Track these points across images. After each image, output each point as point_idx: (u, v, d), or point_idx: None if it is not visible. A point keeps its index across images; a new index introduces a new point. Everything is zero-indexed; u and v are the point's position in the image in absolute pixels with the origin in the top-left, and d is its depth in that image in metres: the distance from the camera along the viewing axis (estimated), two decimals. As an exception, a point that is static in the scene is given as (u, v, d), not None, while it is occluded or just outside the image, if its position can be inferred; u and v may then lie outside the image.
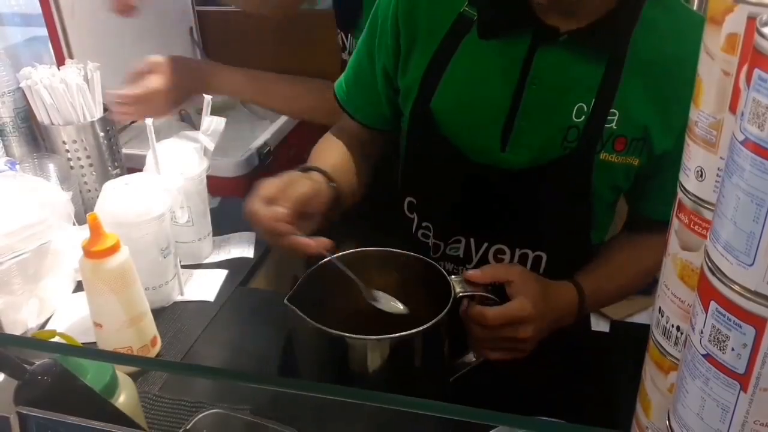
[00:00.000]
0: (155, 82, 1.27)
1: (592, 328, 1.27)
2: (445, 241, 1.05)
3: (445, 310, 0.77)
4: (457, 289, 0.82)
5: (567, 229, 1.01)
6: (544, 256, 1.01)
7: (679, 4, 0.93)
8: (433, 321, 0.74)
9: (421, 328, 0.73)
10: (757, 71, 0.32)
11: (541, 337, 0.88)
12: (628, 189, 0.99)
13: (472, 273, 0.85)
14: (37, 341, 0.72)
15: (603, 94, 0.89)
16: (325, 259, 0.83)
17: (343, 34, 1.57)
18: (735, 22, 0.38)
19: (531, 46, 0.91)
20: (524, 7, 0.90)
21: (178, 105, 1.35)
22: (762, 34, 0.32)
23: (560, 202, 0.97)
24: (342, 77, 1.13)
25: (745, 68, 0.37)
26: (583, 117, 0.90)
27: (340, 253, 0.85)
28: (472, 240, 1.02)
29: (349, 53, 1.55)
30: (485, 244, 1.02)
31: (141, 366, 0.71)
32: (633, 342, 0.93)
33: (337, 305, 0.85)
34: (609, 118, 0.90)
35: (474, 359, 0.88)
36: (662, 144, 0.90)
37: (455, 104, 0.97)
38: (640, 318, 2.10)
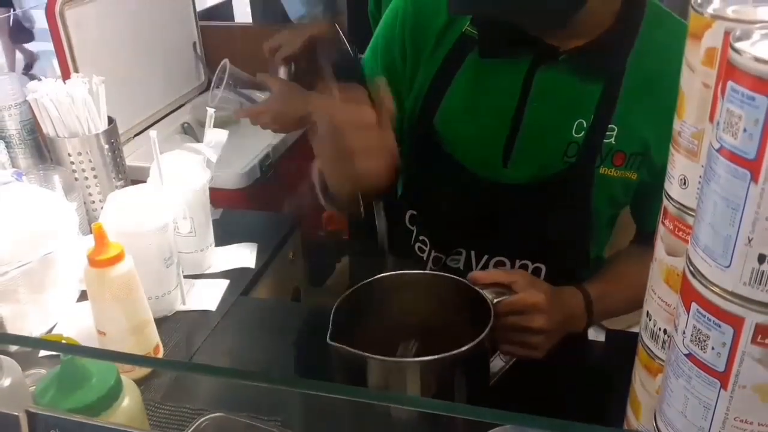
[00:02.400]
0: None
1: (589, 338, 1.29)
2: (446, 253, 1.07)
3: (490, 324, 0.76)
4: (490, 297, 0.82)
5: (566, 242, 1.02)
6: (543, 268, 1.02)
7: (676, 21, 0.95)
8: (482, 336, 0.73)
9: (472, 344, 0.72)
10: (730, 83, 0.34)
11: (556, 332, 0.88)
12: (634, 206, 1.01)
13: (477, 274, 0.87)
14: (44, 341, 0.74)
15: (601, 110, 0.91)
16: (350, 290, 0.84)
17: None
18: (713, 36, 0.40)
19: (531, 65, 0.92)
20: (524, 28, 0.91)
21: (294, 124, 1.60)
22: (734, 48, 0.34)
23: (560, 215, 0.99)
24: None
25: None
26: (583, 133, 0.92)
27: (360, 283, 0.85)
28: (472, 252, 1.04)
29: None
30: (485, 256, 1.04)
31: (144, 365, 0.72)
32: (629, 351, 0.94)
33: (368, 329, 0.83)
34: (608, 133, 0.91)
35: (503, 362, 0.87)
36: (662, 158, 0.91)
37: (457, 122, 0.98)
38: (637, 330, 2.09)
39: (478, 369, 0.79)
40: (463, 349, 0.71)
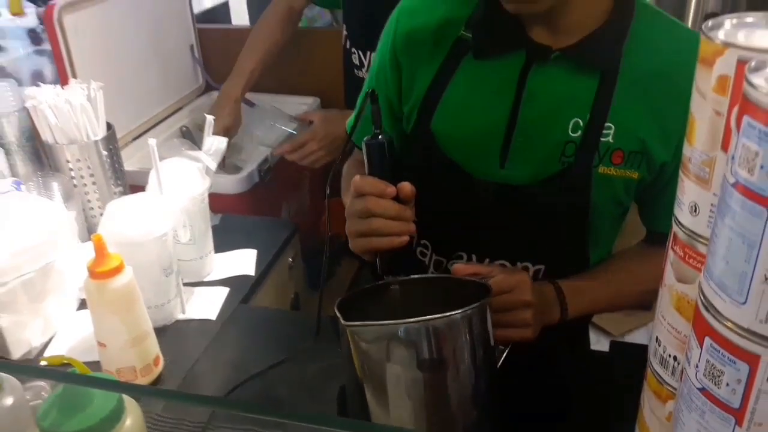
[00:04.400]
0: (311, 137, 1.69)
1: (593, 346, 1.28)
2: (447, 257, 1.07)
3: (491, 294, 0.78)
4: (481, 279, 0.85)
5: (566, 242, 1.03)
6: (543, 269, 1.03)
7: (667, 19, 0.96)
8: (482, 302, 0.74)
9: (479, 303, 0.73)
10: (746, 118, 0.34)
11: (539, 312, 0.90)
12: (639, 205, 1.02)
13: (458, 266, 0.91)
14: (48, 370, 0.73)
15: (597, 108, 0.92)
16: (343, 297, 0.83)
17: (360, 52, 1.61)
18: (725, 64, 0.40)
19: (525, 65, 0.94)
20: (516, 28, 0.93)
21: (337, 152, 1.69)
22: (750, 83, 0.33)
23: (560, 215, 0.99)
24: (353, 114, 1.17)
25: (735, 110, 0.38)
26: (579, 132, 0.93)
27: (353, 291, 0.85)
28: (474, 256, 1.04)
29: (368, 70, 1.60)
30: (487, 259, 1.04)
31: (146, 395, 0.72)
32: (632, 363, 0.94)
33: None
34: (605, 132, 0.92)
35: (500, 347, 0.87)
36: (661, 156, 0.93)
37: (454, 124, 0.99)
38: (639, 333, 2.10)
39: (481, 335, 0.77)
40: (475, 305, 0.72)
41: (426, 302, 0.84)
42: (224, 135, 1.72)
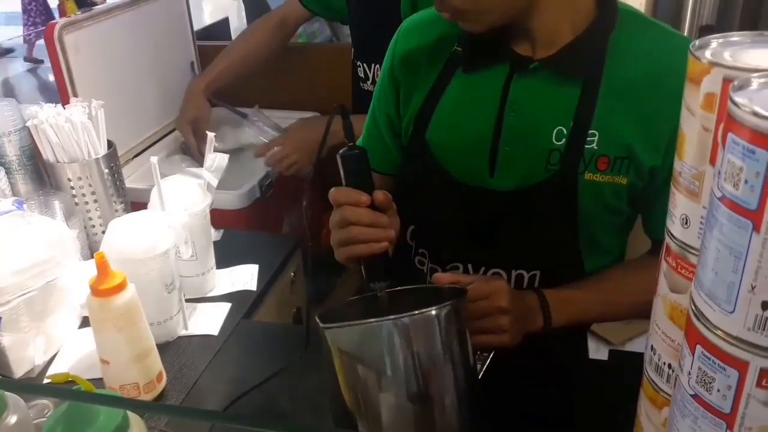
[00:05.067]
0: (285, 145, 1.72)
1: (592, 355, 1.29)
2: (443, 266, 1.09)
3: (466, 294, 0.79)
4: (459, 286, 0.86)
5: (558, 249, 1.04)
6: (538, 274, 1.04)
7: (654, 25, 0.98)
8: (454, 300, 0.74)
9: (454, 300, 0.73)
10: (730, 135, 0.35)
11: (518, 319, 0.91)
12: (641, 215, 1.04)
13: (439, 275, 0.93)
14: (53, 388, 0.74)
15: (580, 116, 0.94)
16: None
17: (365, 65, 1.64)
18: (712, 82, 0.41)
19: (508, 76, 0.97)
20: (500, 41, 0.97)
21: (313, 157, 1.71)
22: (734, 102, 0.35)
23: (549, 222, 1.01)
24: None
25: (722, 126, 0.39)
26: (564, 140, 0.94)
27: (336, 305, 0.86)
28: (469, 265, 1.06)
29: (372, 83, 1.62)
30: (482, 269, 1.05)
31: (150, 411, 0.73)
32: (630, 371, 0.95)
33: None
34: (589, 139, 0.94)
35: (483, 354, 0.89)
36: (649, 161, 0.94)
37: (446, 135, 1.02)
38: (640, 341, 2.10)
39: (460, 342, 0.77)
40: (448, 303, 0.73)
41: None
42: (192, 126, 1.75)
